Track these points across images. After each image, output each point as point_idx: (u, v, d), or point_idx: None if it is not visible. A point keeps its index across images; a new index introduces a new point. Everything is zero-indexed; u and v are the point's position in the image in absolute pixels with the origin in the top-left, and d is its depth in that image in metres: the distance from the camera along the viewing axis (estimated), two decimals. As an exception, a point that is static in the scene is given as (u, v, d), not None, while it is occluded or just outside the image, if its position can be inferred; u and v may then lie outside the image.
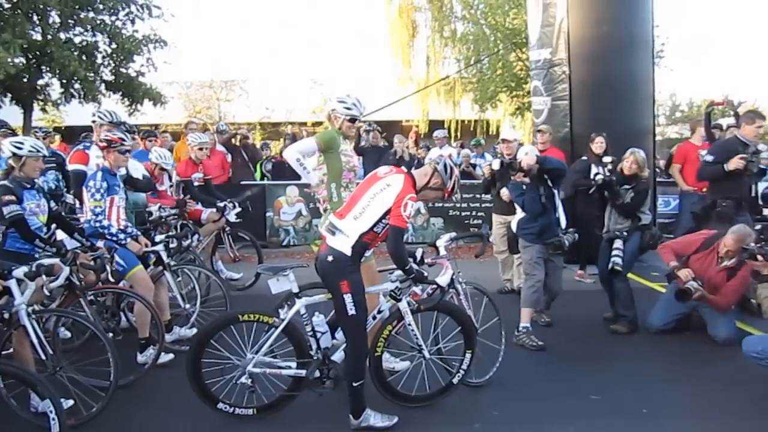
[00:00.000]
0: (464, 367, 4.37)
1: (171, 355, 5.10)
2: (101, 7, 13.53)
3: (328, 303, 4.02)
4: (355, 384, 3.90)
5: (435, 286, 4.14)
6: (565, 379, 4.82)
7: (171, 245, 5.59)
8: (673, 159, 8.90)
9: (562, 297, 6.01)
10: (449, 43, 19.28)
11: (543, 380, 4.80)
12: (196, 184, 7.56)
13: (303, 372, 4.04)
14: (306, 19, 36.12)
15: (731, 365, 5.02)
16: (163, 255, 5.39)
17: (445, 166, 4.02)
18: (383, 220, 3.80)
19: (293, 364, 4.09)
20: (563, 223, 5.66)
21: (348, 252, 3.79)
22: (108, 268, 4.75)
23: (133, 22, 14.05)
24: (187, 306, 5.57)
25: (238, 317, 4.08)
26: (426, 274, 4.04)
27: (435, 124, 17.84)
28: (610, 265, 5.86)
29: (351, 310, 3.77)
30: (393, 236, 3.79)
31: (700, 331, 5.76)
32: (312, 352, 4.07)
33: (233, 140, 10.63)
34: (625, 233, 5.93)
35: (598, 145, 7.39)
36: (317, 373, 4.05)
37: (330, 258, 3.80)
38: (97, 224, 4.95)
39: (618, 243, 5.90)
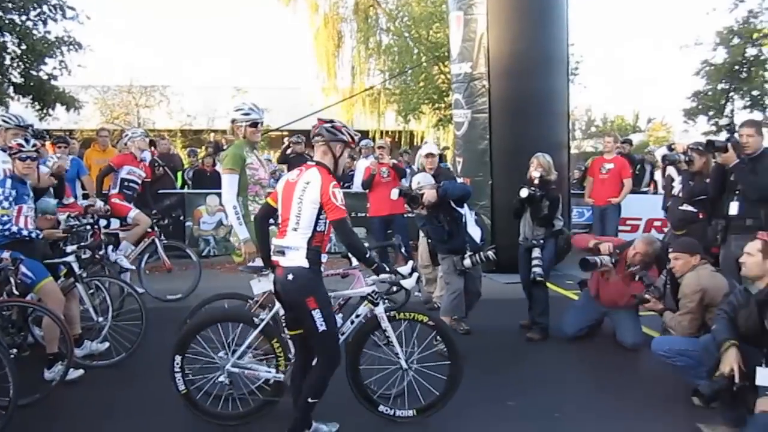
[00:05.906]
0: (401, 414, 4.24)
1: (81, 371, 4.89)
2: (9, 5, 12.89)
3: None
4: (311, 401, 3.72)
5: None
6: (482, 386, 4.92)
7: (84, 256, 5.37)
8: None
9: (481, 306, 6.13)
10: (374, 54, 19.52)
11: (460, 388, 4.85)
12: (133, 185, 7.36)
13: (281, 376, 3.95)
14: (229, 27, 35.70)
15: (639, 369, 5.32)
16: (75, 266, 5.18)
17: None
18: (321, 218, 3.65)
19: (272, 368, 4.01)
20: (477, 238, 5.77)
21: (305, 264, 3.62)
22: (12, 280, 4.52)
23: (45, 22, 13.44)
24: (100, 319, 5.35)
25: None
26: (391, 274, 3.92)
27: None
28: (532, 276, 5.97)
29: (321, 326, 3.62)
30: (339, 230, 3.64)
31: (609, 336, 6.02)
32: (290, 356, 3.94)
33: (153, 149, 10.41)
34: (541, 241, 6.06)
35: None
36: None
37: (290, 276, 3.62)
38: (6, 232, 4.72)
39: (536, 252, 6.01)
